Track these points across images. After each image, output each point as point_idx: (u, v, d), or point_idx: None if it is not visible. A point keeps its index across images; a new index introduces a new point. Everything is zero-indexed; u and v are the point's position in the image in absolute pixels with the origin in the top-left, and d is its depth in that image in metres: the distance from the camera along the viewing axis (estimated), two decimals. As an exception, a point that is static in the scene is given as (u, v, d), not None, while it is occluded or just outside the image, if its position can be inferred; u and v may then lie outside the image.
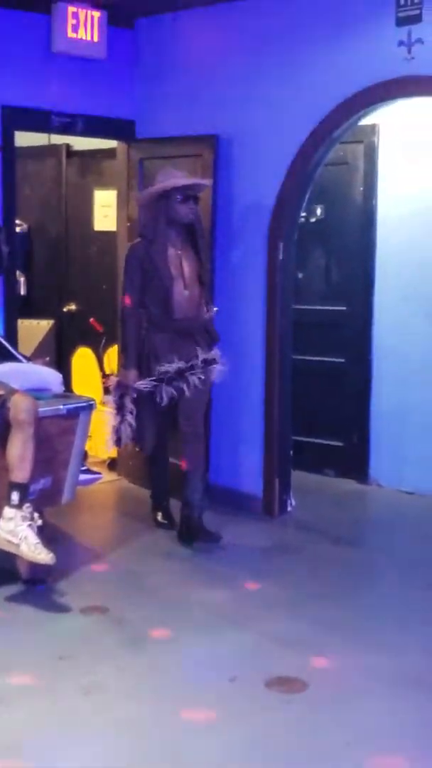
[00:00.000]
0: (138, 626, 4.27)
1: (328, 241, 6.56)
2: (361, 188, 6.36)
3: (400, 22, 4.90)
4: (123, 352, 5.44)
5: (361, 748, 3.33)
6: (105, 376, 6.99)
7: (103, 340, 7.08)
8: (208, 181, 5.42)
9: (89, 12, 5.72)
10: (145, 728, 3.45)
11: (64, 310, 7.42)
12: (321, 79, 5.31)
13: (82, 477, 4.96)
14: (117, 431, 5.34)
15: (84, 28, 5.73)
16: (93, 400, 4.88)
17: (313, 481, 6.49)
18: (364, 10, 5.09)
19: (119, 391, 5.32)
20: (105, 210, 7.12)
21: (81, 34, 5.73)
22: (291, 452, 5.87)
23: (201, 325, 5.29)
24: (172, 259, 5.18)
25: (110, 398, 5.40)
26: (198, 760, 3.23)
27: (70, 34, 5.68)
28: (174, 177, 5.16)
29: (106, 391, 6.87)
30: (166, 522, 5.54)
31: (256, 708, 3.59)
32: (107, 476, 6.47)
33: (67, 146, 7.37)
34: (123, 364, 5.44)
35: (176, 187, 5.09)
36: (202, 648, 4.07)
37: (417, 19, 4.85)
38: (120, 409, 5.31)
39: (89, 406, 4.73)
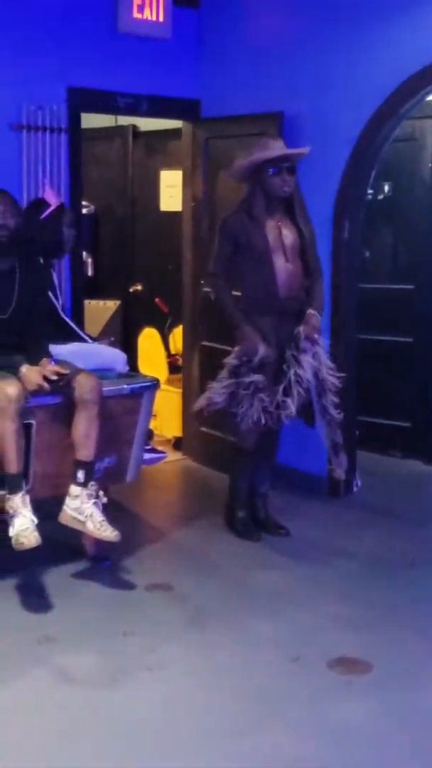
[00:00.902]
0: (201, 604, 4.30)
1: (396, 218, 6.48)
2: (430, 165, 6.26)
3: (469, -6, 4.80)
4: (229, 320, 5.01)
5: (420, 729, 3.32)
6: (170, 355, 7.04)
7: (169, 320, 7.12)
8: (302, 150, 4.96)
9: (154, -8, 5.72)
10: (202, 706, 3.48)
11: (130, 290, 7.47)
12: (387, 54, 5.22)
13: (147, 456, 4.99)
14: (212, 399, 4.96)
15: (149, 8, 5.73)
16: (157, 379, 4.90)
17: (379, 461, 6.44)
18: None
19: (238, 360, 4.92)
20: (170, 190, 7.14)
21: (146, 14, 5.73)
22: (357, 432, 5.83)
23: (303, 304, 4.92)
24: (270, 232, 4.88)
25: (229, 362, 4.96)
26: (258, 743, 3.23)
27: (136, 14, 5.69)
28: (269, 149, 4.86)
29: (172, 369, 6.95)
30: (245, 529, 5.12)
31: (316, 689, 3.59)
32: (172, 456, 6.52)
33: (134, 127, 7.41)
34: (236, 330, 4.96)
35: (267, 159, 4.81)
36: (264, 627, 4.08)
37: None
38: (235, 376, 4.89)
39: (153, 386, 4.75)
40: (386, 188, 6.38)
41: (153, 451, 5.30)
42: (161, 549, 4.97)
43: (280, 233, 4.89)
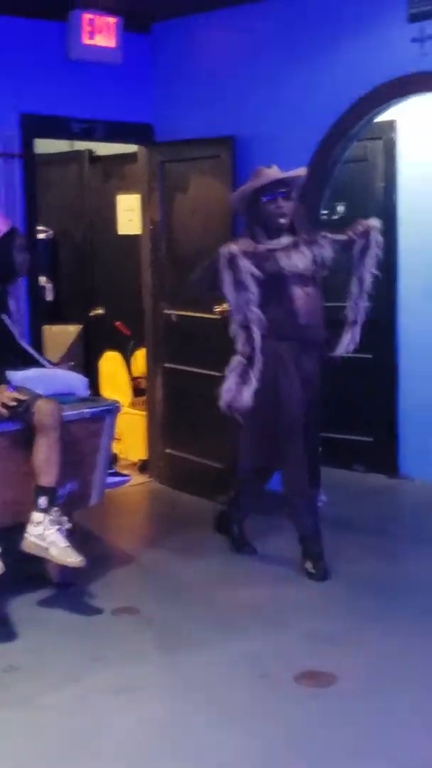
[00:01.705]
0: (169, 626, 4.32)
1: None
2: (382, 184, 6.36)
3: (413, 18, 4.92)
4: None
5: (389, 739, 3.36)
6: (133, 378, 7.07)
7: (131, 343, 7.14)
8: (295, 173, 4.77)
9: (105, 19, 5.76)
10: (174, 726, 3.50)
11: (91, 314, 7.50)
12: (336, 77, 5.33)
13: (110, 479, 5.02)
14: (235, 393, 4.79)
15: (100, 34, 5.77)
16: (118, 402, 4.92)
17: (343, 476, 6.50)
18: (376, 8, 5.10)
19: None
20: (128, 214, 7.19)
21: (97, 40, 5.77)
22: (320, 448, 5.87)
23: (319, 335, 4.85)
24: (281, 258, 4.73)
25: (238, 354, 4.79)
26: (225, 759, 3.27)
27: (87, 41, 5.73)
28: (261, 176, 4.76)
29: (136, 392, 6.97)
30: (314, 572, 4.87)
31: (285, 702, 3.62)
32: (138, 478, 6.53)
33: (90, 152, 7.45)
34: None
35: (259, 188, 4.71)
36: (232, 646, 4.11)
37: (429, 14, 4.85)
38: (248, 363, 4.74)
39: (114, 409, 4.78)
40: (340, 208, 6.47)
41: (116, 474, 5.34)
42: (127, 572, 4.98)
43: (291, 259, 4.76)
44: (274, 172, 4.78)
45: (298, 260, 4.76)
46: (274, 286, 4.71)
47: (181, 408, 6.35)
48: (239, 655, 4.02)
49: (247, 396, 4.71)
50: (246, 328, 4.70)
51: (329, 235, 4.85)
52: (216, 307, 5.86)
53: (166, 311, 6.36)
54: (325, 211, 5.86)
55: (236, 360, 4.78)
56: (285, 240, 4.78)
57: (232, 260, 4.64)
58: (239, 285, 4.64)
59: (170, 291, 6.36)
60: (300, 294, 4.75)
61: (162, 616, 4.42)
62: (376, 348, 6.44)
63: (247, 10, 5.71)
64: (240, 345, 4.75)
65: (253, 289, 4.62)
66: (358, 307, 4.88)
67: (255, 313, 4.65)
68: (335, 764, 3.22)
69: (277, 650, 4.05)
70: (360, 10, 5.18)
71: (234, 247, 4.67)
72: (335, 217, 6.45)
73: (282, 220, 4.74)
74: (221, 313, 5.84)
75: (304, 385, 4.83)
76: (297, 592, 4.67)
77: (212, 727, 3.47)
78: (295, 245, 4.77)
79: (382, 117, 5.50)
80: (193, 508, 5.99)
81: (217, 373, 5.96)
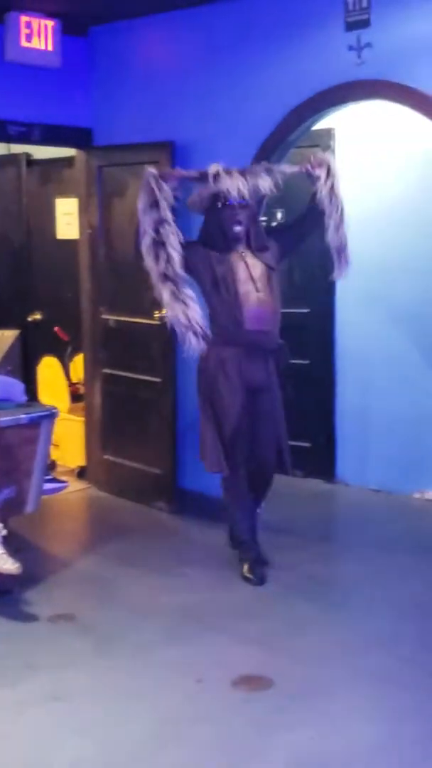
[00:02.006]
0: (106, 632, 4.30)
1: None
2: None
3: (350, 27, 4.96)
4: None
5: (323, 742, 3.37)
6: (72, 384, 7.02)
7: (69, 349, 7.10)
8: (261, 183, 4.70)
9: (42, 21, 5.72)
10: (114, 732, 3.48)
11: (29, 319, 7.43)
12: (274, 85, 5.35)
13: (48, 486, 4.98)
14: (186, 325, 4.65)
15: (38, 37, 5.73)
16: (55, 408, 4.89)
17: (281, 482, 6.49)
18: (314, 17, 5.14)
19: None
20: (67, 218, 7.15)
21: (35, 43, 5.73)
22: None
23: (272, 343, 4.77)
24: (235, 262, 4.70)
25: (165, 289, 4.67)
26: (164, 764, 3.27)
27: (24, 43, 5.69)
28: (226, 181, 4.66)
29: (74, 398, 6.93)
30: (251, 577, 4.83)
31: (222, 707, 3.63)
32: (76, 485, 6.49)
33: (27, 155, 7.39)
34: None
35: (216, 193, 4.66)
36: (169, 651, 4.10)
37: (365, 23, 4.90)
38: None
39: (51, 415, 4.74)
40: (279, 215, 6.50)
41: (54, 480, 5.30)
42: (64, 579, 4.94)
43: (246, 264, 4.71)
44: (233, 179, 4.68)
45: (255, 263, 4.73)
46: (223, 289, 4.70)
47: (119, 414, 6.33)
48: (176, 661, 4.01)
49: (194, 316, 4.64)
50: (161, 244, 4.59)
51: (284, 167, 4.88)
52: (156, 312, 5.86)
53: (105, 316, 6.34)
54: (264, 218, 5.89)
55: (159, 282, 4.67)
56: (241, 245, 4.75)
57: (155, 180, 4.61)
58: (154, 205, 4.59)
59: (109, 296, 6.33)
60: (250, 299, 4.69)
61: (99, 622, 4.40)
62: (314, 355, 6.50)
63: (186, 16, 5.72)
64: (156, 263, 4.60)
65: (167, 214, 4.58)
66: (339, 232, 4.85)
67: (171, 227, 4.57)
68: (272, 768, 3.24)
69: (213, 655, 4.06)
70: (299, 17, 5.21)
71: (155, 171, 4.68)
72: (274, 223, 6.49)
73: (237, 228, 4.71)
74: (161, 318, 5.83)
75: (250, 394, 4.76)
76: (234, 597, 4.67)
77: (148, 733, 3.46)
78: (251, 251, 4.75)
79: (321, 125, 5.54)
80: (132, 515, 5.97)
81: (156, 379, 5.98)
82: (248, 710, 3.60)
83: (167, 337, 5.85)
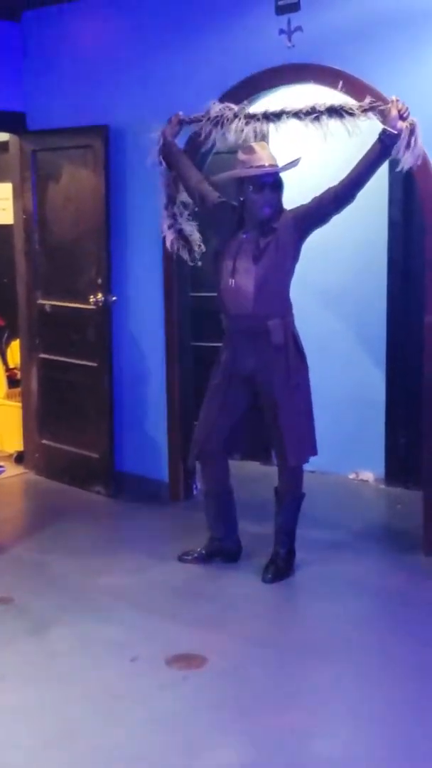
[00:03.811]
0: (42, 614, 4.32)
1: (217, 225, 6.59)
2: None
3: (280, 10, 4.99)
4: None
5: (256, 716, 3.43)
6: (8, 369, 7.00)
7: (5, 334, 7.07)
8: (288, 165, 4.49)
9: (-26, 5, 5.69)
10: (44, 714, 3.50)
11: (-35, 305, 7.38)
12: (207, 68, 5.37)
13: (-17, 470, 4.97)
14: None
15: (-31, 21, 5.70)
16: (-10, 393, 4.87)
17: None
18: (245, 1, 5.16)
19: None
20: (1, 203, 7.10)
21: (-34, 27, 5.69)
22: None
23: (257, 328, 4.51)
24: (229, 245, 4.55)
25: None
26: (97, 743, 3.30)
27: None
28: (252, 161, 4.47)
29: (11, 383, 6.90)
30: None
31: (156, 685, 3.67)
32: (14, 470, 6.48)
33: (-39, 140, 7.33)
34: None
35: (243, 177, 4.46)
36: (104, 632, 4.13)
37: (296, 7, 4.94)
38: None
39: (-15, 399, 4.73)
40: (214, 198, 6.52)
41: (-10, 465, 5.28)
42: (1, 563, 4.94)
43: (240, 246, 4.51)
44: (266, 157, 4.49)
45: (245, 250, 4.50)
46: (219, 273, 4.58)
47: (57, 399, 6.33)
48: (111, 641, 4.05)
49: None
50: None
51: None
52: (91, 296, 5.86)
53: (40, 301, 6.32)
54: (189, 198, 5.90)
55: None
56: (255, 231, 4.51)
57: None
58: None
59: (44, 281, 6.32)
60: (229, 283, 4.51)
61: (35, 604, 4.42)
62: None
63: (118, 0, 5.72)
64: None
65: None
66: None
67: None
68: (207, 745, 3.28)
69: (148, 634, 4.10)
70: (230, 1, 5.24)
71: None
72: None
73: (267, 210, 4.47)
74: (96, 302, 5.85)
75: (246, 382, 4.61)
76: (168, 578, 4.71)
77: (82, 712, 3.49)
78: (260, 240, 4.50)
79: (253, 108, 5.56)
80: (70, 499, 5.99)
81: (92, 363, 5.99)
82: (182, 688, 3.65)
83: (103, 321, 5.88)
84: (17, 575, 4.80)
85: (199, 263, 5.27)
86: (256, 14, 5.12)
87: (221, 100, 5.28)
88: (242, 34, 5.21)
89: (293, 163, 4.54)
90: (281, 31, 5.02)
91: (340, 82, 4.72)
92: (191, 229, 5.11)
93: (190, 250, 5.14)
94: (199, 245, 5.17)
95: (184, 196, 5.03)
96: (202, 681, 3.70)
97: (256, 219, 4.50)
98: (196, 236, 5.13)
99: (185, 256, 5.18)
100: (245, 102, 5.16)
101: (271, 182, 4.48)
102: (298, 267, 5.80)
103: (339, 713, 3.47)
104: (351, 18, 4.82)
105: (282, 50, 5.03)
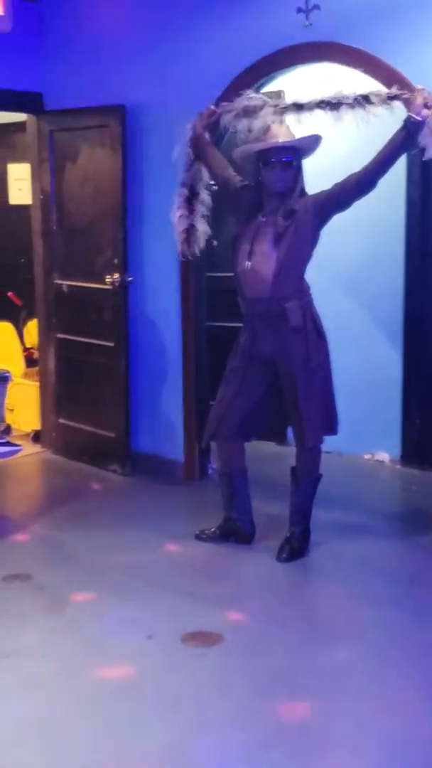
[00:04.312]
0: (59, 591, 4.35)
1: (238, 209, 6.59)
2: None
3: (297, -11, 4.98)
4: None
5: (271, 694, 3.47)
6: (26, 349, 7.03)
7: (23, 313, 7.10)
8: (300, 140, 4.48)
9: (-9, -16, 5.68)
10: (63, 688, 3.54)
11: (-18, 285, 7.42)
12: (224, 47, 5.36)
13: (1, 450, 5.00)
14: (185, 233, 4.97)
15: (-13, 0, 5.68)
16: (8, 372, 4.91)
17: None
18: (262, -22, 5.16)
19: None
20: (19, 183, 7.13)
21: (-16, 6, 5.68)
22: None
23: (274, 311, 4.51)
24: (248, 228, 4.57)
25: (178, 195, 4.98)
26: (114, 717, 3.34)
27: (-27, 7, 5.64)
28: (267, 138, 4.52)
29: (29, 362, 6.94)
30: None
31: (172, 663, 3.71)
32: (31, 449, 6.52)
33: (-22, 120, 7.34)
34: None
35: (259, 150, 4.48)
36: (121, 609, 4.17)
37: (313, -15, 4.92)
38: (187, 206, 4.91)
39: (4, 378, 4.77)
40: (230, 177, 6.50)
41: (7, 444, 5.31)
42: (19, 540, 4.99)
43: (258, 231, 4.51)
44: (283, 133, 4.50)
45: (263, 232, 4.49)
46: (235, 255, 4.59)
47: (73, 378, 6.36)
48: (127, 618, 4.08)
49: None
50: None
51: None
52: (107, 276, 5.88)
53: (58, 281, 6.35)
54: (213, 181, 5.90)
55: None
56: (274, 211, 4.50)
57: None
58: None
59: (61, 261, 6.34)
60: (245, 265, 4.51)
61: (52, 582, 4.46)
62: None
63: (136, -21, 5.72)
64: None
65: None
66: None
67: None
68: (222, 722, 3.31)
69: (164, 612, 4.13)
70: (246, -20, 5.23)
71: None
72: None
73: (279, 186, 4.47)
74: (113, 282, 5.86)
75: (266, 365, 4.62)
76: (181, 555, 4.75)
77: (99, 689, 3.53)
78: (281, 221, 4.48)
79: (270, 87, 5.55)
80: (86, 477, 6.02)
81: (109, 343, 6.02)
82: (198, 665, 3.68)
83: (120, 301, 5.89)
84: (34, 553, 4.84)
85: (197, 255, 5.24)
86: (273, -7, 5.10)
87: (237, 79, 5.29)
88: (259, 12, 5.19)
89: (308, 139, 4.52)
90: (299, 10, 5.00)
91: (361, 66, 4.70)
92: (203, 227, 5.05)
93: (190, 245, 5.09)
94: (205, 242, 5.14)
95: (205, 194, 5.00)
96: (218, 659, 3.73)
97: (270, 194, 4.49)
98: (203, 235, 5.07)
99: (184, 249, 5.11)
100: (258, 83, 5.18)
101: (283, 159, 4.45)
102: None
103: (354, 693, 3.49)
104: (369, -4, 4.80)
105: (299, 29, 5.01)
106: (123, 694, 3.49)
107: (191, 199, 5.01)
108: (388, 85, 4.60)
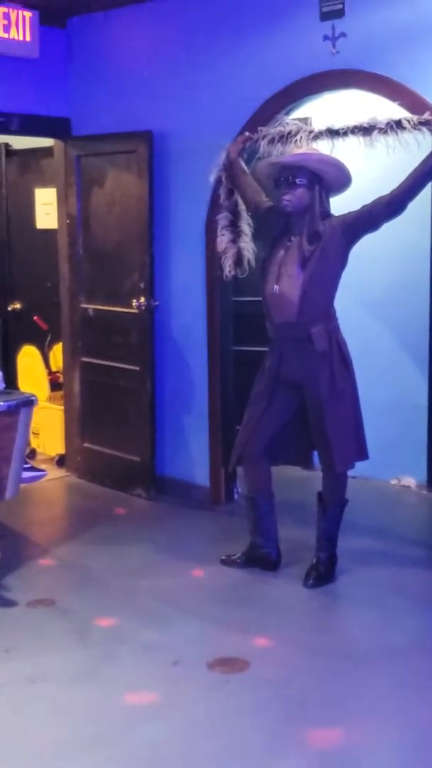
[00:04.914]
0: (84, 616, 4.35)
1: (268, 232, 6.61)
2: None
3: (324, 16, 5.00)
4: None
5: (299, 721, 3.44)
6: (51, 373, 7.06)
7: (48, 338, 7.13)
8: (297, 157, 4.48)
9: (20, 12, 5.73)
10: (89, 714, 3.53)
11: (9, 308, 7.46)
12: (251, 74, 5.39)
13: (26, 474, 5.01)
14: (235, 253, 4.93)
15: (16, 28, 5.74)
16: (33, 395, 4.91)
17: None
18: (289, 7, 5.17)
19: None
20: (46, 208, 7.17)
21: (13, 34, 5.74)
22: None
23: (301, 335, 4.51)
24: (279, 249, 4.56)
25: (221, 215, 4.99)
26: (141, 743, 3.32)
27: (2, 34, 5.69)
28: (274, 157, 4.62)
29: (54, 386, 6.96)
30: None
31: (199, 689, 3.68)
32: (55, 473, 6.53)
33: (6, 145, 7.41)
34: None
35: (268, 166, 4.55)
36: (146, 634, 4.15)
37: (340, 13, 4.94)
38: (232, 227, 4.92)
39: (29, 402, 4.76)
40: (256, 203, 6.53)
41: (32, 469, 5.32)
42: (43, 565, 4.99)
43: (285, 254, 4.52)
44: (298, 151, 4.55)
45: (290, 255, 4.49)
46: (266, 274, 4.58)
47: (98, 402, 6.37)
48: (152, 643, 4.07)
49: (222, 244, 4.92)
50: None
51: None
52: (133, 300, 5.90)
53: (83, 305, 6.37)
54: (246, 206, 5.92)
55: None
56: (297, 232, 4.51)
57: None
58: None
59: (87, 285, 6.37)
60: (272, 290, 4.52)
61: (77, 607, 4.45)
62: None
63: (163, 6, 5.76)
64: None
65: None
66: None
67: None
68: (248, 750, 3.28)
69: (190, 638, 4.11)
70: (274, 7, 5.24)
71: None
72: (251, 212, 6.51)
73: (285, 205, 4.48)
74: (139, 306, 5.88)
75: (293, 389, 4.61)
76: (211, 582, 4.73)
77: (128, 714, 3.51)
78: (306, 241, 4.48)
79: (297, 114, 5.57)
80: (111, 502, 6.02)
81: (135, 367, 6.03)
82: (224, 692, 3.66)
83: (145, 325, 5.91)
84: (59, 578, 4.84)
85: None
86: (300, 20, 5.13)
87: (264, 106, 5.32)
88: (286, 40, 5.22)
89: (314, 158, 4.48)
90: (325, 37, 5.03)
91: (397, 97, 4.71)
92: (250, 245, 5.01)
93: (239, 264, 5.05)
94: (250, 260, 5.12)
95: (247, 215, 4.99)
96: (245, 685, 3.70)
97: (288, 216, 4.51)
98: (251, 253, 5.02)
99: (232, 271, 5.09)
100: (285, 109, 5.21)
101: (290, 179, 4.46)
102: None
103: (384, 723, 3.45)
104: (395, 23, 4.81)
105: (326, 56, 5.03)
106: (149, 720, 3.46)
107: (235, 221, 5.01)
108: (414, 112, 4.61)
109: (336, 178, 4.54)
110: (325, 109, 5.93)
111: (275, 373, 4.65)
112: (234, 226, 5.00)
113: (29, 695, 3.66)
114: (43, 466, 6.14)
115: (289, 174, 4.48)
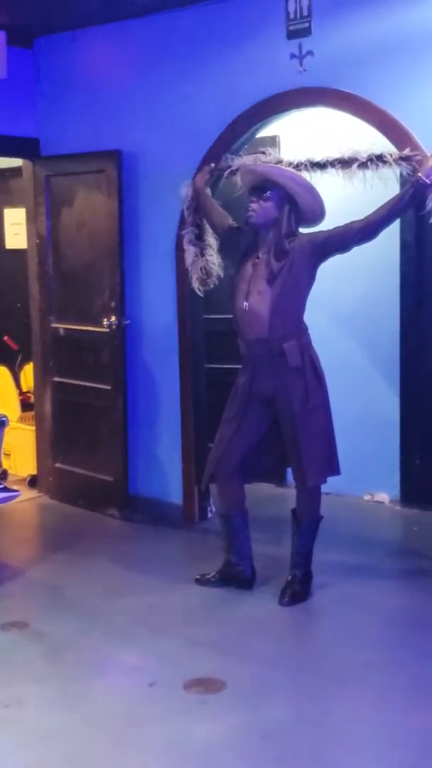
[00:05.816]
0: (58, 638, 4.30)
1: (237, 250, 6.63)
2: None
3: (291, 35, 5.03)
4: None
5: (275, 742, 3.41)
6: (22, 393, 7.02)
7: (19, 358, 7.10)
8: (271, 169, 4.56)
9: (-13, 33, 5.74)
10: (63, 737, 3.48)
11: (-22, 329, 7.43)
12: (219, 93, 5.41)
13: (-1, 495, 4.97)
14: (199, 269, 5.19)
15: (-18, 48, 5.74)
16: (5, 416, 4.89)
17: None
18: (256, 26, 5.20)
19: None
20: (15, 228, 7.17)
21: (-21, 55, 5.74)
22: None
23: (273, 351, 4.52)
24: (244, 268, 4.59)
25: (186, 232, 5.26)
26: (117, 765, 3.28)
27: (-31, 55, 5.70)
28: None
29: (25, 407, 6.92)
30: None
31: (176, 710, 3.65)
32: (27, 494, 6.47)
33: (-26, 166, 7.40)
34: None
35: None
36: (121, 655, 4.12)
37: (306, 32, 4.98)
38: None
39: (1, 423, 4.74)
40: (226, 221, 6.55)
41: (5, 490, 5.27)
42: (16, 587, 4.93)
43: (253, 270, 4.53)
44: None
45: (257, 273, 4.51)
46: (235, 290, 4.61)
47: (70, 422, 6.33)
48: (128, 665, 4.03)
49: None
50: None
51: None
52: (104, 319, 5.88)
53: (54, 325, 6.35)
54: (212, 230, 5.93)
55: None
56: (267, 246, 4.52)
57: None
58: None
59: (58, 305, 6.34)
60: (242, 307, 4.53)
61: (52, 629, 4.40)
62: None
63: (130, 25, 5.77)
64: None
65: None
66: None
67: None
68: None
69: (165, 659, 4.08)
70: (241, 27, 5.27)
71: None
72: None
73: (250, 215, 4.51)
74: (110, 325, 5.87)
75: (266, 406, 4.61)
76: (184, 601, 4.70)
77: (103, 737, 3.47)
78: (274, 256, 4.49)
79: (265, 132, 5.60)
80: (84, 522, 5.98)
81: (106, 386, 6.01)
82: (201, 713, 3.62)
83: (117, 344, 5.89)
84: (33, 599, 4.79)
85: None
86: (267, 40, 5.16)
87: (232, 125, 5.34)
88: (254, 59, 5.24)
89: (280, 172, 4.52)
90: (293, 56, 5.06)
91: (377, 120, 4.77)
92: (217, 260, 5.22)
93: (204, 281, 5.27)
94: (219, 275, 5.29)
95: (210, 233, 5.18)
96: (222, 706, 3.67)
97: (257, 231, 4.56)
98: (218, 267, 5.24)
99: (200, 285, 5.28)
100: (253, 128, 5.25)
101: (255, 189, 4.53)
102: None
103: (360, 739, 3.44)
104: (361, 42, 4.85)
105: (294, 75, 5.06)
106: (126, 742, 3.43)
107: (201, 236, 5.12)
108: (382, 131, 4.66)
109: (308, 205, 4.53)
110: (294, 127, 6.00)
111: (248, 389, 4.64)
112: (200, 239, 5.03)
113: (2, 719, 3.60)
114: (15, 487, 6.08)
115: (260, 185, 4.51)
